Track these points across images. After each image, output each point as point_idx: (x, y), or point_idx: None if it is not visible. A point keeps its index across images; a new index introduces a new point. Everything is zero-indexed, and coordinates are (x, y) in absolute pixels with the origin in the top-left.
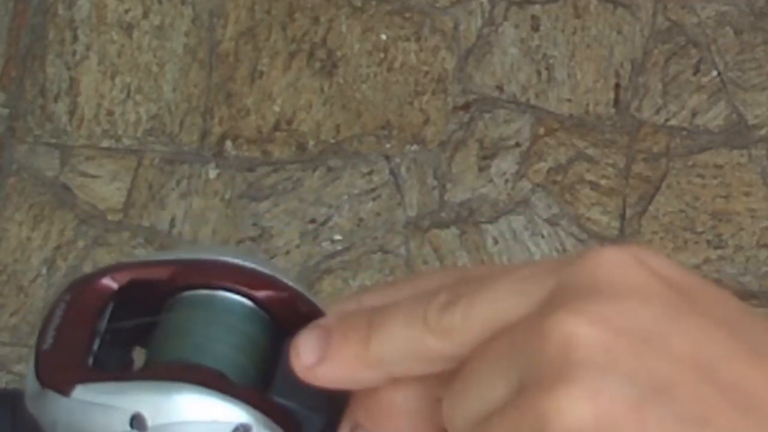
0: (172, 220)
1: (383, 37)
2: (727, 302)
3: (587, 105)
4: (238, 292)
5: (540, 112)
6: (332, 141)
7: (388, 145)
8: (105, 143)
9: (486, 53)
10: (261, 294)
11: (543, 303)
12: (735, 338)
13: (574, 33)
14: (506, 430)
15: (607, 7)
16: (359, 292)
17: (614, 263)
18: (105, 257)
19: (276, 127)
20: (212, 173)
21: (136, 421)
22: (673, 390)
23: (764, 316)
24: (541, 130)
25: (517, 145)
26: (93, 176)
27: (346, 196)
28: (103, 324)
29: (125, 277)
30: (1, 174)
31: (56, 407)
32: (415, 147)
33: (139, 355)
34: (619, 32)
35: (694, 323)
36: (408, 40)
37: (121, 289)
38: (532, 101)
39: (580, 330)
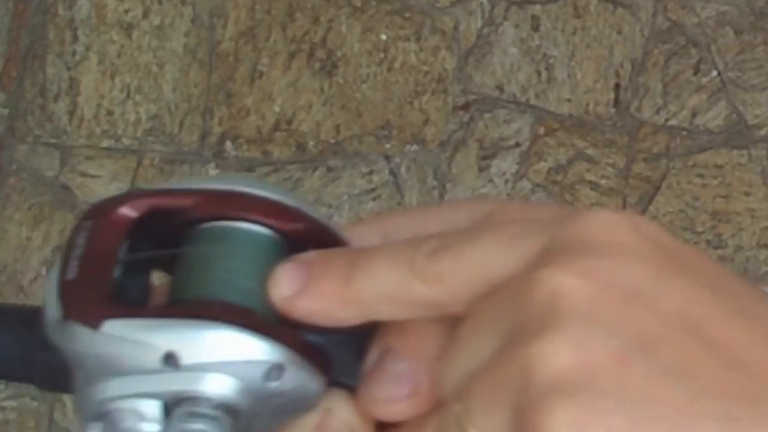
0: None
1: (383, 37)
2: (715, 269)
3: (587, 105)
4: (262, 224)
5: (540, 112)
6: (332, 141)
7: (388, 145)
8: (105, 143)
9: (486, 53)
10: (286, 226)
11: (533, 259)
12: (722, 300)
13: (574, 33)
14: (492, 381)
15: (607, 7)
16: (379, 215)
17: (606, 223)
18: None
19: (276, 127)
20: (212, 173)
21: (170, 359)
22: (657, 344)
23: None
24: (541, 130)
25: (517, 145)
26: (93, 176)
27: (346, 196)
28: (123, 253)
29: (145, 204)
30: (1, 174)
31: (84, 340)
32: (415, 147)
33: (158, 280)
34: (619, 32)
35: (682, 284)
36: (408, 40)
37: (141, 216)
38: (532, 101)
39: (567, 282)
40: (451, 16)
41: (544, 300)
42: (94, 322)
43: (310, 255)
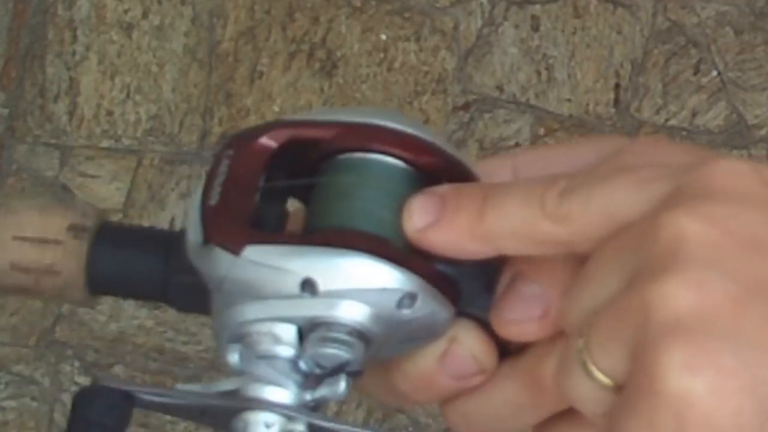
0: (172, 220)
1: (383, 37)
2: None
3: (587, 105)
4: (398, 157)
5: (540, 112)
6: None
7: None
8: (105, 143)
9: (486, 53)
10: (421, 160)
11: (659, 203)
12: None
13: (574, 33)
14: (613, 319)
15: (607, 7)
16: (512, 152)
17: (731, 171)
18: None
19: None
20: None
21: (308, 285)
22: None
23: None
24: (541, 130)
25: (517, 145)
26: (92, 176)
27: None
28: (262, 181)
29: (285, 135)
30: (1, 174)
31: (224, 264)
32: None
33: (292, 209)
34: (619, 32)
35: None
36: (408, 40)
37: (280, 146)
38: (532, 101)
39: (690, 227)
40: (451, 16)
41: (668, 242)
42: (235, 247)
43: (444, 188)
